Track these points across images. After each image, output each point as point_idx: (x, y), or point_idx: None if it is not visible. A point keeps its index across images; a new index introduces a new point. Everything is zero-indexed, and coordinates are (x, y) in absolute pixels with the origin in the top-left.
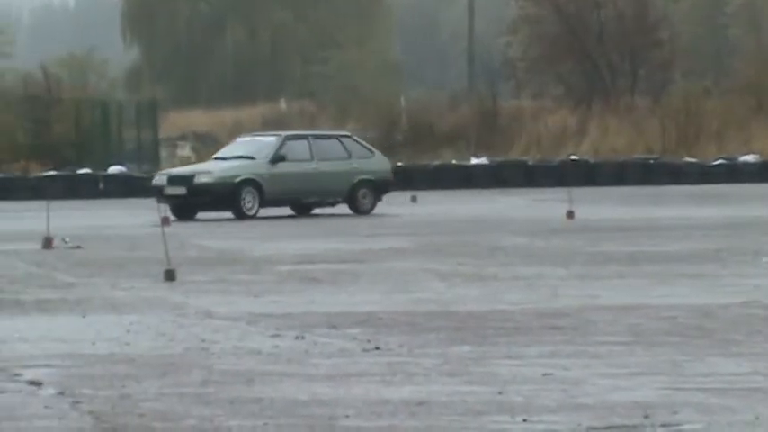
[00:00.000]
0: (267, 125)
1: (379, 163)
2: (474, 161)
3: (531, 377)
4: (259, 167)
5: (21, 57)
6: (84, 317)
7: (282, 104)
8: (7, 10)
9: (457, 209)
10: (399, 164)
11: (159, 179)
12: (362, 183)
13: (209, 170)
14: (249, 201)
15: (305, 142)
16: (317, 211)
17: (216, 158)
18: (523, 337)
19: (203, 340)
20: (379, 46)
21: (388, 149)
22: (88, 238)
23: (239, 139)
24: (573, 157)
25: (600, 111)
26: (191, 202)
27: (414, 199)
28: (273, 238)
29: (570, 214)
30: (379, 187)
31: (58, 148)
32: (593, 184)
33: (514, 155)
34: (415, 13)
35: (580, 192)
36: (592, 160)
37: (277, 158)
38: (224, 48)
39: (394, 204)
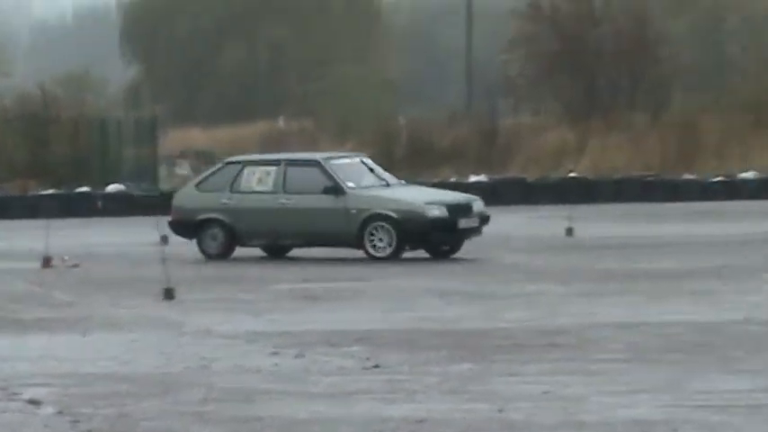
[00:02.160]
0: (266, 143)
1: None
2: (473, 178)
3: (531, 395)
4: None
5: (20, 75)
6: (83, 336)
7: (281, 122)
8: (6, 29)
9: None
10: None
11: None
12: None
13: None
14: None
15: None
16: None
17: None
18: (523, 354)
19: (203, 358)
20: (379, 64)
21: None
22: (87, 256)
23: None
24: (572, 174)
25: (599, 128)
26: None
27: None
28: (273, 257)
29: (569, 231)
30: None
31: (57, 167)
32: (592, 202)
33: (513, 172)
34: (414, 30)
35: (579, 209)
36: (591, 177)
37: None
38: (223, 65)
39: None
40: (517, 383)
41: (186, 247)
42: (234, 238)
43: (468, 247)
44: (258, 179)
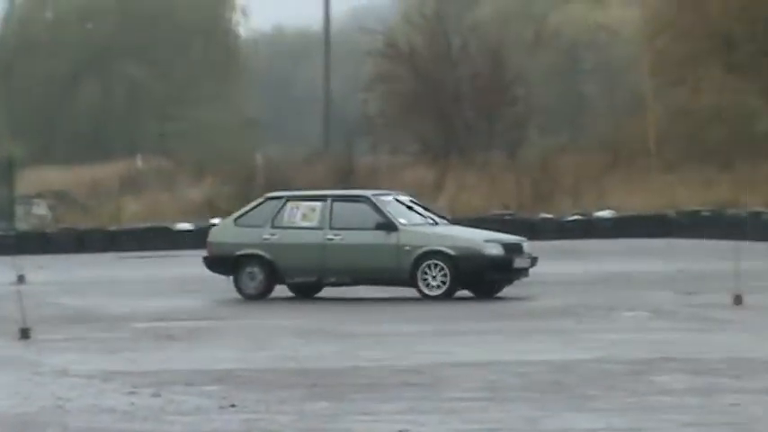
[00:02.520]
0: (124, 183)
1: None
2: None
3: None
4: None
5: None
6: None
7: (139, 162)
8: None
9: None
10: None
11: None
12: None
13: None
14: None
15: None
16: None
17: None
18: (379, 393)
19: (59, 398)
20: (236, 102)
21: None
22: None
23: None
24: None
25: (456, 167)
26: None
27: None
28: (130, 295)
29: None
30: None
31: None
32: None
33: None
34: (273, 68)
35: None
36: (449, 216)
37: None
38: (79, 105)
39: None
40: (373, 422)
41: (44, 287)
42: (275, 275)
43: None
44: (303, 215)
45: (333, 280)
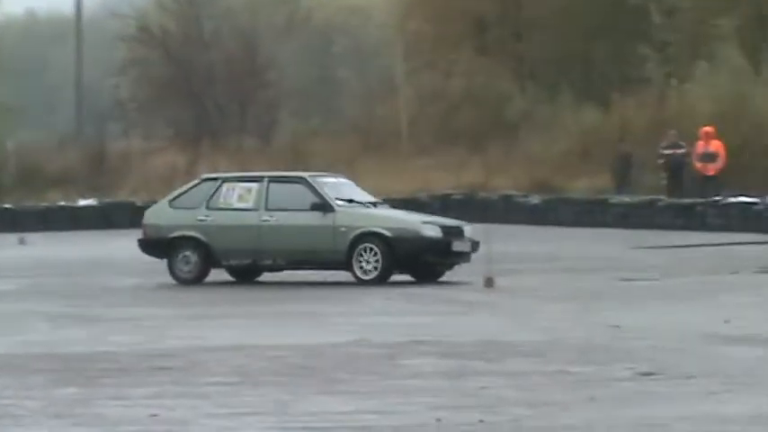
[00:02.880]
0: None
1: None
2: (82, 202)
3: (138, 418)
4: None
5: None
6: None
7: None
8: None
9: (65, 250)
10: (7, 206)
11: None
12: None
13: None
14: None
15: None
16: None
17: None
18: (130, 378)
19: None
20: None
21: None
22: None
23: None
24: None
25: (209, 151)
26: None
27: (22, 240)
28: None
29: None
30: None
31: None
32: None
33: (123, 196)
34: (25, 54)
35: None
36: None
37: None
38: None
39: (1, 247)
40: (123, 407)
41: None
42: (210, 258)
43: (72, 270)
44: (239, 196)
45: (268, 263)
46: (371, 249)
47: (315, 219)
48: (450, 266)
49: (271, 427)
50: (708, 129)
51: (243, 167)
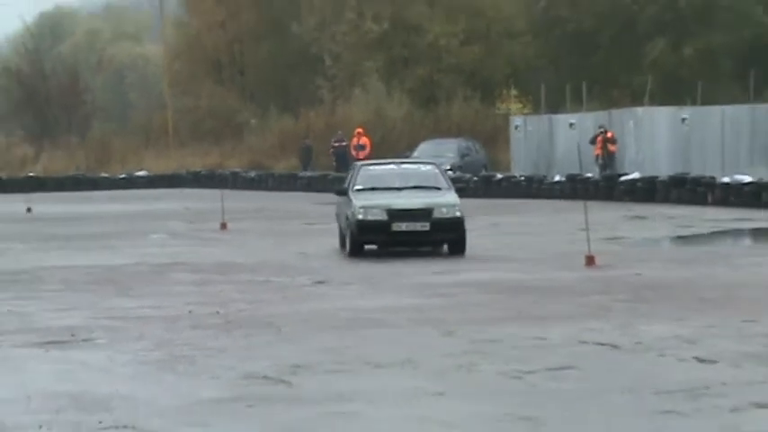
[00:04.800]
0: None
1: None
2: None
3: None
4: None
5: None
6: None
7: None
8: None
9: None
10: None
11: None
12: None
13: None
14: None
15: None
16: None
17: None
18: None
19: None
20: None
21: None
22: None
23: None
24: (31, 174)
25: (49, 145)
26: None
27: None
28: None
29: (29, 210)
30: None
31: None
32: (45, 191)
33: None
34: None
35: (36, 196)
36: (42, 176)
37: None
38: None
39: None
40: None
41: None
42: None
43: None
44: None
45: None
46: None
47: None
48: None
49: (86, 317)
50: (359, 129)
51: (70, 155)
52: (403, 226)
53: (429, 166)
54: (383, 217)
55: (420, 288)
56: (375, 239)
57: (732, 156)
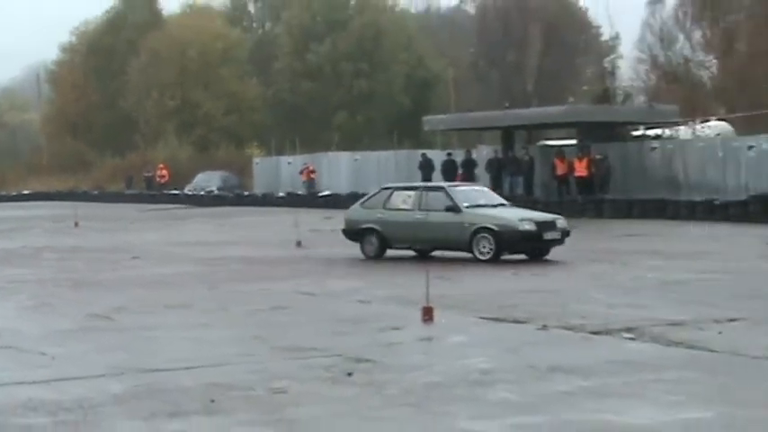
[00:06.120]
0: None
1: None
2: None
3: None
4: None
5: None
6: None
7: None
8: None
9: None
10: None
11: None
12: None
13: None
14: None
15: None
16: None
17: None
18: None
19: None
20: None
21: None
22: None
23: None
24: None
25: None
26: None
27: None
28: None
29: None
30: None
31: None
32: None
33: None
34: None
35: None
36: None
37: None
38: None
39: None
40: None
41: None
42: (385, 242)
43: None
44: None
45: (419, 246)
46: (486, 238)
47: (449, 217)
48: (546, 249)
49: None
50: (162, 165)
51: None
52: (548, 235)
53: (485, 188)
54: (533, 228)
55: (198, 261)
56: (527, 247)
57: (384, 180)
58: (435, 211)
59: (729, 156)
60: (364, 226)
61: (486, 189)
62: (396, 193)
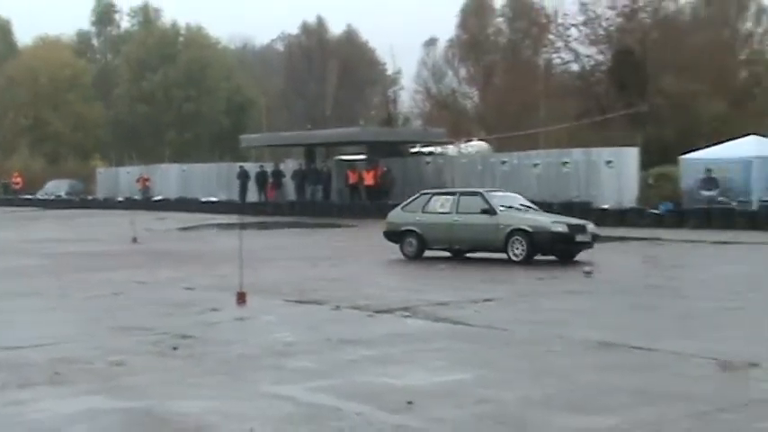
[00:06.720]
0: None
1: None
2: None
3: None
4: None
5: None
6: None
7: None
8: None
9: None
10: None
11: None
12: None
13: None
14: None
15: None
16: None
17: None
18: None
19: None
20: None
21: None
22: None
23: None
24: None
25: None
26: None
27: None
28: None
29: None
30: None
31: None
32: None
33: None
34: None
35: None
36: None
37: None
38: None
39: None
40: None
41: None
42: (424, 243)
43: None
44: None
45: (457, 247)
46: (519, 240)
47: (484, 219)
48: (577, 251)
49: None
50: (16, 173)
51: None
52: (580, 237)
53: (518, 195)
54: (565, 230)
55: (47, 255)
56: (558, 248)
57: (207, 187)
58: (471, 213)
59: (487, 169)
60: (404, 228)
61: (518, 195)
62: (434, 197)
